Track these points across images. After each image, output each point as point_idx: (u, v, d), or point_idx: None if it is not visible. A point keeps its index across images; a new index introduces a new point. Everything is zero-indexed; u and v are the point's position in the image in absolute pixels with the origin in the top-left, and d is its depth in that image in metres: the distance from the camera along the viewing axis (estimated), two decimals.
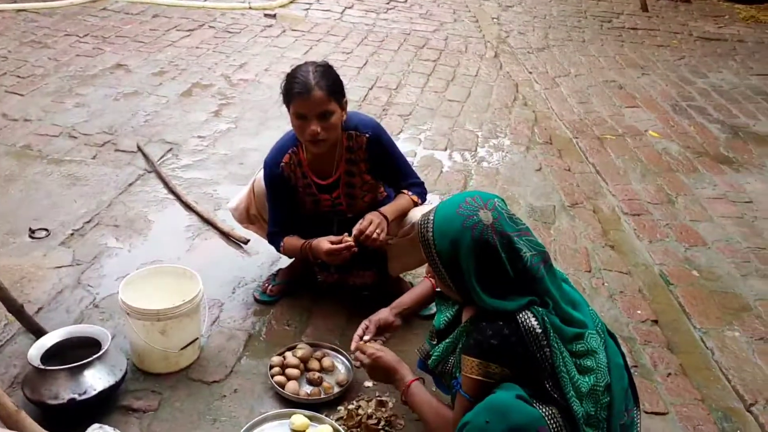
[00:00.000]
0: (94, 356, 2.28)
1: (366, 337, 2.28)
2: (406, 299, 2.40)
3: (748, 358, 2.74)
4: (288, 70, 2.56)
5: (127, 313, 2.43)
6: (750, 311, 3.01)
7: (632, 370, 2.59)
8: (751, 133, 4.83)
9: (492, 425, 1.71)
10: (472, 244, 1.79)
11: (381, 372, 2.21)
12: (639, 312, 2.96)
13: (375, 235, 2.53)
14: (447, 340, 2.03)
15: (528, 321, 1.78)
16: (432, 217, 1.87)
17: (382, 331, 2.33)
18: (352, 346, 2.28)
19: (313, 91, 2.41)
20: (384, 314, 2.34)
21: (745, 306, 3.05)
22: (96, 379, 2.28)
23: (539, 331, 1.78)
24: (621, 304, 3.01)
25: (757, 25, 7.49)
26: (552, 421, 1.76)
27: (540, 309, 1.81)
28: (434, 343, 2.14)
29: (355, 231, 2.55)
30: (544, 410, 1.77)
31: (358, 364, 2.28)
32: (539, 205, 3.76)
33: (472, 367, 1.84)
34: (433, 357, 2.07)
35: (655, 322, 2.92)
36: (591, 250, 3.38)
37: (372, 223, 2.54)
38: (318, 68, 2.46)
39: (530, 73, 5.79)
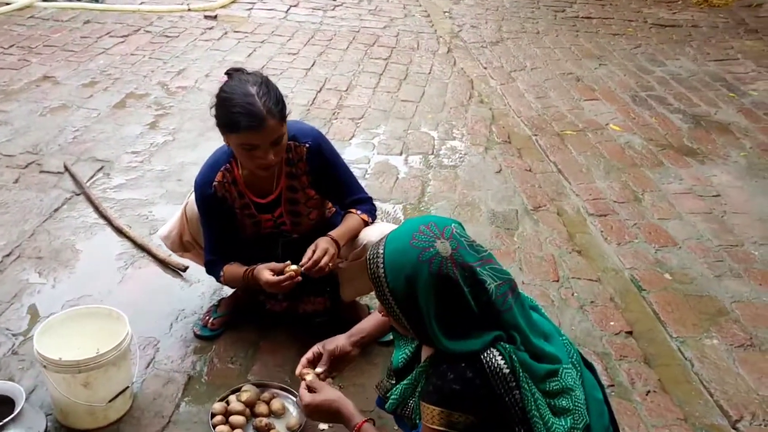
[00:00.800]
0: (6, 419, 2.00)
1: (318, 369, 2.00)
2: (366, 326, 2.09)
3: (730, 368, 2.57)
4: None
5: (44, 366, 2.14)
6: (727, 315, 2.85)
7: (609, 390, 2.42)
8: (713, 121, 4.71)
9: None
10: (430, 280, 1.55)
11: (323, 415, 1.92)
12: (612, 323, 2.77)
13: (327, 269, 2.28)
14: (405, 382, 1.78)
15: (494, 360, 1.56)
16: (382, 251, 1.62)
17: (337, 362, 2.06)
18: (297, 371, 1.99)
19: (267, 122, 2.12)
20: (341, 342, 2.03)
21: (721, 310, 2.88)
22: None
23: (507, 371, 1.55)
24: (593, 315, 2.81)
25: (711, 10, 7.42)
26: None
27: (507, 346, 1.58)
28: (393, 382, 1.90)
29: (308, 264, 2.27)
30: None
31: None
32: (501, 210, 3.54)
33: (432, 416, 1.60)
34: (390, 400, 1.82)
35: (630, 333, 2.73)
36: (558, 257, 3.18)
37: (327, 254, 2.27)
38: (260, 88, 2.15)
39: (485, 68, 5.59)
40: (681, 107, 4.92)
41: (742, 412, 2.37)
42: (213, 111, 2.23)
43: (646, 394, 2.44)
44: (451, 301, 1.56)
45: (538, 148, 4.26)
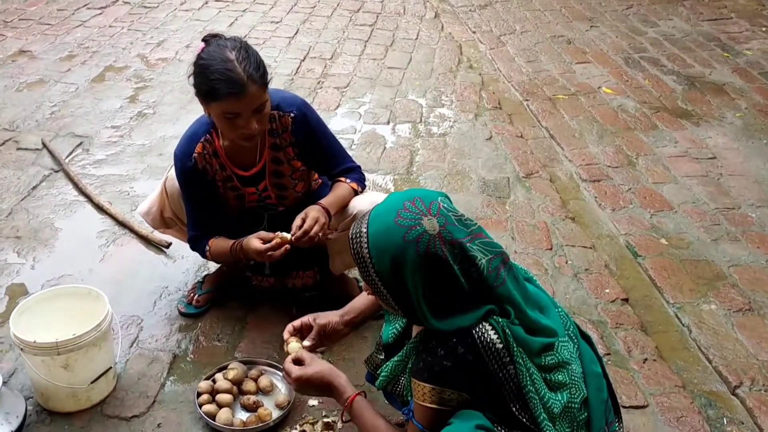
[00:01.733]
0: None
1: (306, 343, 1.91)
2: (359, 304, 2.00)
3: (728, 334, 2.52)
4: None
5: (21, 349, 2.06)
6: (725, 280, 2.79)
7: (605, 359, 2.37)
8: (707, 82, 4.61)
9: None
10: (418, 260, 1.46)
11: (313, 389, 1.84)
12: (607, 291, 2.71)
13: (317, 239, 2.19)
14: (395, 358, 1.71)
15: (486, 335, 1.49)
16: (365, 229, 1.52)
17: (326, 338, 1.98)
18: (284, 336, 1.91)
19: (248, 88, 2.01)
20: (333, 320, 1.94)
21: (719, 274, 2.82)
22: None
23: (500, 346, 1.49)
24: (587, 283, 2.75)
25: None
26: None
27: (500, 319, 1.51)
28: (382, 357, 1.83)
29: (298, 233, 2.18)
30: None
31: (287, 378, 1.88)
32: (492, 178, 3.46)
33: (424, 393, 1.54)
34: (381, 377, 1.75)
35: (626, 300, 2.67)
36: (551, 224, 3.10)
37: (317, 223, 2.19)
38: (240, 53, 2.04)
39: (474, 32, 5.45)
40: (675, 68, 4.82)
41: (741, 378, 2.32)
42: (191, 80, 2.12)
43: (644, 362, 2.39)
44: (440, 279, 1.49)
45: (530, 114, 4.16)
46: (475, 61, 4.90)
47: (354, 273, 2.71)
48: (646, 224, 3.12)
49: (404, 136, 3.87)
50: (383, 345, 1.82)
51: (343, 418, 1.80)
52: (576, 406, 1.59)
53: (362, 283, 2.60)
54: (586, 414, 1.62)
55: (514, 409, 1.52)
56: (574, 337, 1.70)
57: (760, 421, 2.17)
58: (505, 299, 1.54)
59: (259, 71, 2.06)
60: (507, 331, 1.50)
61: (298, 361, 1.83)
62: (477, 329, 1.49)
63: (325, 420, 2.11)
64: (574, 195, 3.35)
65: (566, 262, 2.86)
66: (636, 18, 5.84)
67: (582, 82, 4.58)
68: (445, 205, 1.53)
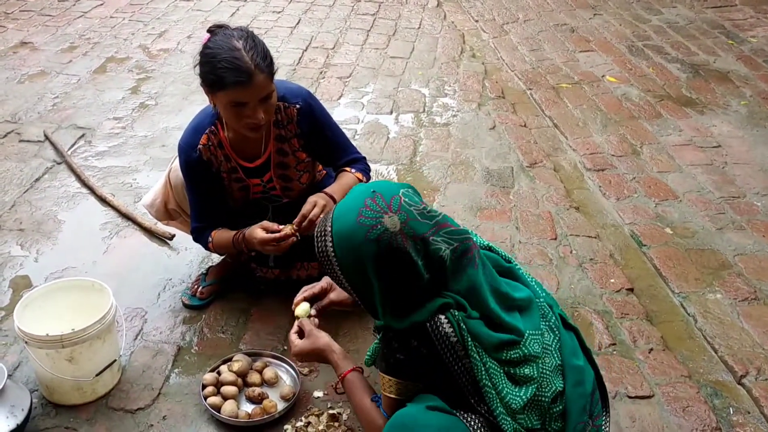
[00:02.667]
0: None
1: (312, 312, 2.00)
2: None
3: (734, 323, 2.51)
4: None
5: (26, 342, 2.06)
6: (730, 269, 2.77)
7: (610, 349, 2.36)
8: (712, 70, 4.58)
9: None
10: (381, 258, 1.48)
11: (312, 360, 1.96)
12: (612, 281, 2.70)
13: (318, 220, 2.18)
14: (376, 342, 1.75)
15: (440, 328, 1.49)
16: (330, 229, 1.54)
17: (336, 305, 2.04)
18: (296, 298, 2.02)
19: (255, 77, 2.01)
20: (349, 300, 2.00)
21: (724, 263, 2.80)
22: None
23: (454, 339, 1.49)
24: (592, 273, 2.74)
25: None
26: (479, 431, 1.52)
27: (456, 313, 1.51)
28: (377, 339, 1.85)
29: (297, 218, 2.19)
30: (468, 418, 1.51)
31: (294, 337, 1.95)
32: (496, 167, 3.44)
33: (384, 383, 1.60)
34: (366, 356, 1.80)
35: (631, 290, 2.66)
36: (555, 214, 3.09)
37: (317, 206, 2.19)
38: (246, 42, 2.03)
39: (476, 21, 5.42)
40: (679, 56, 4.78)
41: (747, 367, 2.31)
42: (197, 70, 2.11)
43: (649, 352, 2.38)
44: (402, 274, 1.50)
45: (533, 103, 4.14)
46: (478, 50, 4.87)
47: None
48: (650, 213, 3.11)
49: (407, 125, 3.85)
50: (376, 327, 1.83)
51: (338, 390, 1.88)
52: (546, 399, 1.58)
53: None
54: (561, 407, 1.61)
55: (472, 401, 1.53)
56: (555, 329, 1.68)
57: (767, 410, 2.16)
58: (466, 289, 1.53)
59: (266, 60, 2.05)
60: (462, 325, 1.50)
61: (300, 332, 1.92)
62: (431, 323, 1.50)
63: (331, 412, 2.11)
64: (578, 184, 3.33)
65: (571, 252, 2.85)
66: (639, 6, 5.80)
67: (585, 71, 4.55)
68: (407, 200, 1.52)
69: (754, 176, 3.41)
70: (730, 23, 5.40)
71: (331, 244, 1.53)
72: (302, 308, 1.98)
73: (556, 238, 2.93)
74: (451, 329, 1.49)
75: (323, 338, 1.89)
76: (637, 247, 2.90)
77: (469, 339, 1.50)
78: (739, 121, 3.94)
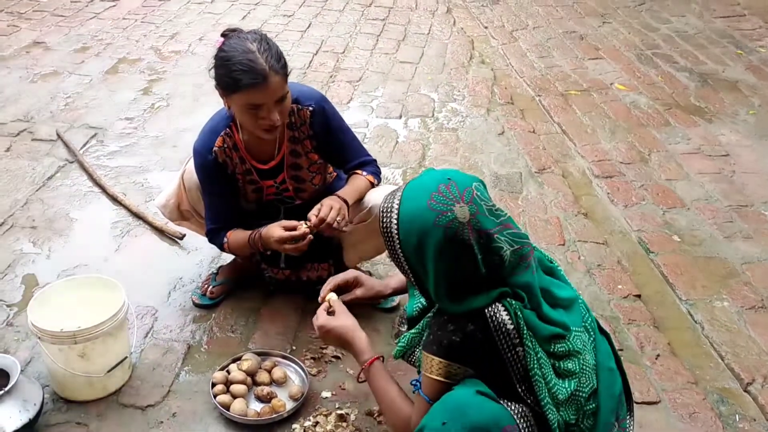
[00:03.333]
0: (0, 392, 1.95)
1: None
2: (393, 283, 2.14)
3: (741, 331, 2.52)
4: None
5: (39, 337, 2.08)
6: (737, 277, 2.78)
7: (618, 354, 2.37)
8: (720, 79, 4.59)
9: (449, 426, 1.46)
10: (444, 245, 1.49)
11: (334, 340, 1.95)
12: (620, 287, 2.71)
13: (336, 224, 2.20)
14: (413, 330, 1.76)
15: (498, 316, 1.51)
16: (397, 206, 1.56)
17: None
18: (324, 291, 2.04)
19: (270, 78, 2.03)
20: (374, 293, 2.09)
21: (732, 272, 2.81)
22: (5, 419, 1.95)
23: (511, 327, 1.51)
24: (600, 279, 2.75)
25: None
26: (522, 421, 1.51)
27: (513, 302, 1.53)
28: (403, 330, 1.86)
29: (314, 220, 2.20)
30: (513, 408, 1.52)
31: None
32: (504, 173, 3.46)
33: (431, 365, 1.59)
34: (398, 346, 1.80)
35: (638, 297, 2.67)
36: (563, 220, 3.10)
37: (332, 209, 2.21)
38: (261, 44, 2.06)
39: (486, 27, 5.44)
40: (687, 65, 4.80)
41: (753, 375, 2.32)
42: (212, 73, 2.13)
43: (656, 358, 2.39)
44: (461, 265, 1.51)
45: (542, 109, 4.16)
46: (487, 56, 4.89)
47: (366, 266, 2.72)
48: (658, 221, 3.12)
49: (416, 130, 3.87)
50: (407, 318, 1.85)
51: (359, 379, 1.88)
52: (584, 395, 1.60)
53: (375, 277, 2.65)
54: (594, 405, 1.63)
55: (519, 390, 1.54)
56: (591, 331, 1.70)
57: None
58: (520, 286, 1.56)
59: (280, 62, 2.08)
60: (519, 313, 1.53)
61: (329, 311, 1.95)
62: (489, 309, 1.52)
63: (339, 412, 2.12)
64: (586, 191, 3.35)
65: (579, 258, 2.86)
66: (648, 14, 5.82)
67: (594, 78, 4.57)
68: (479, 193, 1.54)
69: (762, 185, 3.42)
70: (739, 33, 5.41)
71: (396, 222, 1.55)
72: (332, 295, 2.02)
73: (564, 244, 2.94)
74: (508, 317, 1.51)
75: (352, 320, 1.92)
76: (645, 254, 2.91)
77: (525, 328, 1.52)
78: (747, 130, 3.95)
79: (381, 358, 1.87)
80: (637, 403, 2.19)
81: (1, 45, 4.75)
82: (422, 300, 1.81)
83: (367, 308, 2.43)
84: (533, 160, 3.57)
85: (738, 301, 2.65)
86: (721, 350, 2.43)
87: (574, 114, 4.09)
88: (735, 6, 6.04)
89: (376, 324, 2.45)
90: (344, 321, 1.91)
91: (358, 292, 2.06)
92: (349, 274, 2.08)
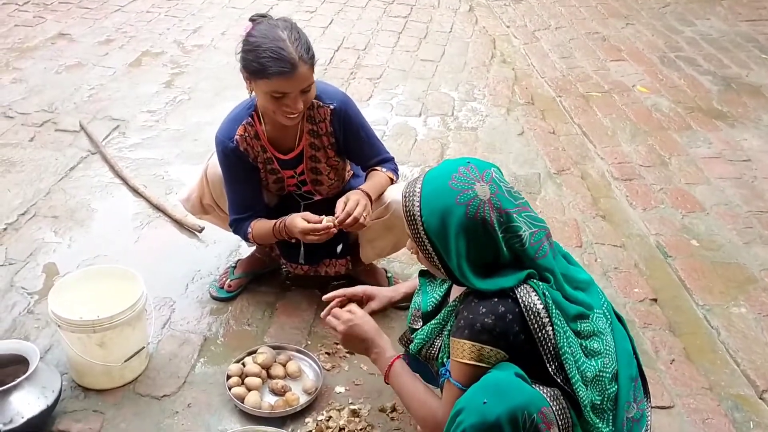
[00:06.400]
0: (19, 379, 1.98)
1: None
2: (403, 289, 2.13)
3: (757, 338, 2.50)
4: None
5: (59, 326, 2.11)
6: (756, 283, 2.76)
7: (632, 338, 2.36)
8: (744, 84, 4.54)
9: (490, 406, 1.47)
10: (466, 222, 1.55)
11: (356, 340, 1.93)
12: (636, 290, 2.70)
13: (362, 219, 2.22)
14: (433, 322, 1.77)
15: (528, 296, 1.55)
16: (419, 188, 1.62)
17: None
18: (331, 304, 2.03)
19: (299, 68, 2.05)
20: (383, 304, 2.07)
21: (750, 278, 2.79)
22: (24, 405, 1.97)
23: (540, 307, 1.54)
24: (616, 282, 2.74)
25: None
26: (555, 403, 1.54)
27: (540, 283, 1.57)
28: (416, 327, 1.86)
29: (342, 214, 2.21)
30: (546, 391, 1.55)
31: (329, 329, 2.00)
32: (523, 173, 3.46)
33: (463, 350, 1.58)
34: (416, 340, 1.80)
35: (655, 300, 2.65)
36: (581, 221, 3.09)
37: (359, 205, 2.23)
38: (291, 33, 2.08)
39: (508, 27, 5.43)
40: (711, 69, 4.75)
41: None
42: (239, 57, 2.14)
43: (671, 363, 2.38)
44: (484, 244, 1.57)
45: (562, 110, 4.14)
46: (509, 56, 4.88)
47: (381, 263, 2.73)
48: (677, 225, 3.10)
49: (435, 128, 3.88)
50: (422, 313, 1.85)
51: (387, 380, 1.86)
52: (607, 376, 1.62)
53: (392, 274, 2.66)
54: (615, 387, 1.64)
55: (550, 369, 1.55)
56: (608, 314, 1.73)
57: None
58: (544, 269, 1.60)
59: (309, 53, 2.10)
60: (546, 293, 1.56)
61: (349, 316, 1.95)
62: (519, 289, 1.55)
63: (352, 407, 2.14)
64: (605, 193, 3.33)
65: (596, 260, 2.85)
66: (673, 16, 5.77)
67: (616, 80, 4.54)
68: (497, 176, 1.60)
69: None
70: (764, 37, 5.35)
71: (418, 204, 1.60)
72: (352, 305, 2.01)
73: (581, 246, 2.94)
74: (537, 297, 1.55)
75: (374, 322, 1.92)
76: (663, 257, 2.90)
77: (554, 307, 1.55)
78: None
79: (405, 356, 1.87)
80: (651, 407, 2.18)
81: (26, 36, 4.82)
82: (437, 294, 1.83)
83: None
84: (552, 161, 3.56)
85: (756, 307, 2.63)
86: (737, 356, 2.42)
87: (595, 116, 4.07)
88: (761, 10, 5.97)
89: (391, 321, 2.46)
90: (367, 320, 1.92)
91: (373, 305, 2.05)
92: (357, 289, 2.07)
